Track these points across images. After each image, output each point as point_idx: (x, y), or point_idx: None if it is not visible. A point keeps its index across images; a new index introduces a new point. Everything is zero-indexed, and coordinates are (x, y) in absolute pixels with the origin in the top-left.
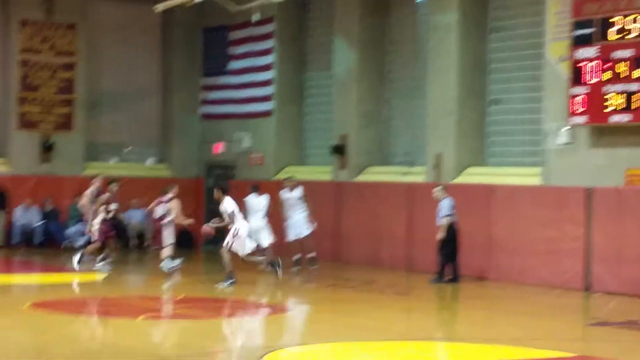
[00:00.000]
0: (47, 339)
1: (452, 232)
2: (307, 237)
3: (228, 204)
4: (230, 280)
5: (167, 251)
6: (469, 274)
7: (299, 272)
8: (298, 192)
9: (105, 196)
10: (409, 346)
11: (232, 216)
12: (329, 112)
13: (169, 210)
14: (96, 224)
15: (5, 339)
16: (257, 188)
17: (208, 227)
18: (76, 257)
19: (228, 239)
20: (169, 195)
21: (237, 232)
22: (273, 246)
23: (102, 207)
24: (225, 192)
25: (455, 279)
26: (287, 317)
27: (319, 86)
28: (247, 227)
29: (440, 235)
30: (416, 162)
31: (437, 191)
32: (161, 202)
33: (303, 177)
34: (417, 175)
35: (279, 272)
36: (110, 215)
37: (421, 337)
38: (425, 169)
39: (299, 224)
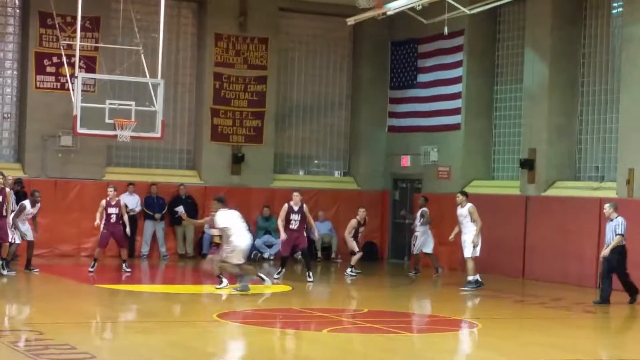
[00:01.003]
0: (234, 349)
1: (623, 251)
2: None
3: (222, 218)
4: (243, 283)
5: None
6: None
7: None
8: (465, 209)
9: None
10: None
11: (226, 230)
12: (518, 126)
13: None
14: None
15: (194, 348)
16: (427, 200)
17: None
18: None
19: (223, 251)
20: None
21: (234, 245)
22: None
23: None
24: (223, 203)
25: (634, 298)
26: (473, 332)
27: (508, 99)
28: (246, 239)
29: (606, 252)
30: (607, 177)
31: (608, 208)
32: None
33: (490, 192)
34: (608, 191)
35: (269, 279)
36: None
37: (608, 357)
38: (617, 184)
39: (464, 244)
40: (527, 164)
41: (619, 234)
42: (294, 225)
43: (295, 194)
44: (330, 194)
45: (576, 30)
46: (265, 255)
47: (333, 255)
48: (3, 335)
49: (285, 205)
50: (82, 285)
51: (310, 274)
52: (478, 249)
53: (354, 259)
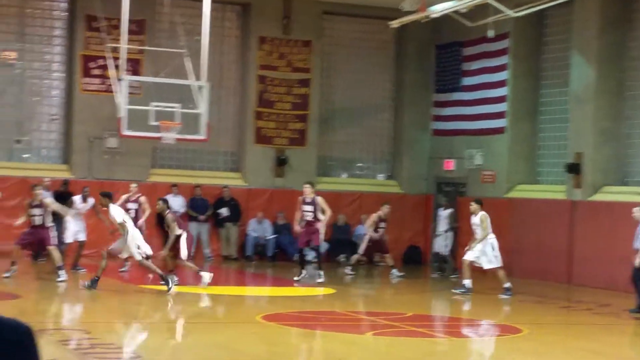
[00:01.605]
0: (278, 351)
1: None
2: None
3: (115, 213)
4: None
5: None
6: None
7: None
8: (477, 218)
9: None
10: None
11: (123, 225)
12: (563, 130)
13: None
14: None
15: (238, 349)
16: (449, 201)
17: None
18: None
19: (117, 244)
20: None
21: (128, 239)
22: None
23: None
24: (111, 199)
25: None
26: (520, 338)
27: (554, 103)
28: (139, 235)
29: (638, 261)
30: None
31: (638, 211)
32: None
33: (535, 196)
34: None
35: (170, 288)
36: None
37: None
38: None
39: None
40: (574, 168)
41: None
42: (307, 217)
43: (305, 185)
44: (374, 197)
45: (624, 33)
46: (309, 258)
47: (377, 257)
48: (51, 333)
49: (300, 198)
50: (127, 285)
51: (321, 273)
52: (499, 258)
53: (353, 258)
